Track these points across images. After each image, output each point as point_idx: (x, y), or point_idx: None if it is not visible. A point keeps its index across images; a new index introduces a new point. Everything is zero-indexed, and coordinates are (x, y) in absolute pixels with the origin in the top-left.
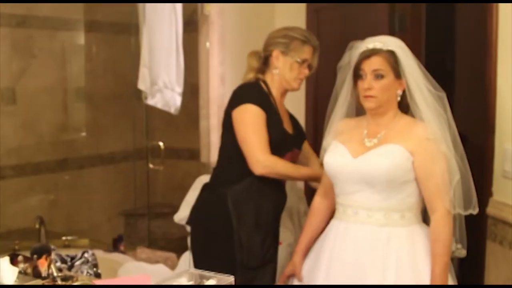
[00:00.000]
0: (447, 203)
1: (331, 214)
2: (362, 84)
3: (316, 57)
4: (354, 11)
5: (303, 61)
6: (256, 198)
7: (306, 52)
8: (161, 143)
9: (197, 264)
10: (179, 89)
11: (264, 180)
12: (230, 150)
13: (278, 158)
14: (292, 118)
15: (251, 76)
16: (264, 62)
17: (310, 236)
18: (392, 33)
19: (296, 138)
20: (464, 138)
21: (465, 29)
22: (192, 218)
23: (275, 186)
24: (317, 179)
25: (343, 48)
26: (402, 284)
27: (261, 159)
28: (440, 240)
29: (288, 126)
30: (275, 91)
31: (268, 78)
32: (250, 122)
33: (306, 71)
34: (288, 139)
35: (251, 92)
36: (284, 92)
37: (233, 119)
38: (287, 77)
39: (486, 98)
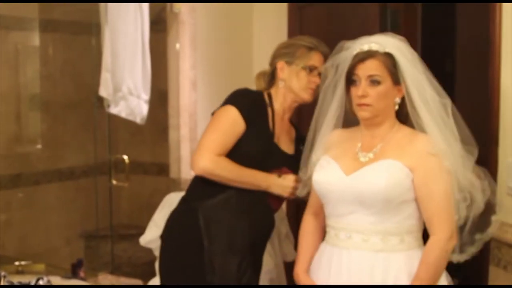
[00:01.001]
0: (446, 228)
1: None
2: (356, 91)
3: None
4: (341, 8)
5: (311, 69)
6: (230, 216)
7: (314, 59)
8: (125, 157)
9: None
10: (145, 96)
11: (244, 198)
12: None
13: (225, 160)
14: (299, 139)
15: None
16: (271, 78)
17: (309, 256)
18: (383, 31)
19: (292, 160)
20: None
21: (466, 29)
22: (164, 232)
23: (257, 206)
24: (268, 181)
25: (329, 47)
26: None
27: (203, 158)
28: (427, 263)
29: (285, 144)
30: (278, 105)
31: (273, 91)
32: (219, 123)
33: (316, 80)
34: (277, 157)
35: (243, 97)
36: (290, 108)
37: (211, 119)
38: (294, 87)
39: (489, 105)
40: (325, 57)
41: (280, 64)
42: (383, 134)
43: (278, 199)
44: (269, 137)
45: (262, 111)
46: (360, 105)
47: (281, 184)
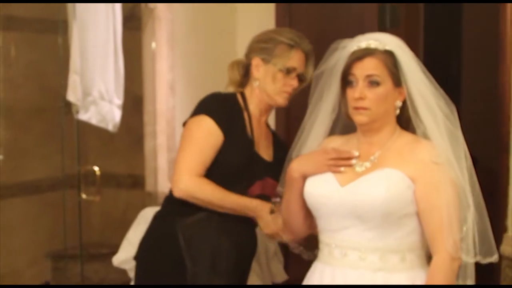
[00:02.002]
0: (450, 246)
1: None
2: (352, 93)
3: (310, 65)
4: (334, 6)
5: (290, 70)
6: (213, 235)
7: (294, 59)
8: (96, 168)
9: None
10: (118, 100)
11: (226, 215)
12: None
13: (208, 183)
14: (277, 143)
15: (231, 91)
16: (246, 73)
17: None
18: (382, 29)
19: (273, 167)
20: (472, 160)
21: (473, 27)
22: (139, 252)
23: (240, 224)
24: (257, 213)
25: (322, 49)
26: None
27: (182, 180)
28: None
29: (264, 151)
30: (253, 108)
31: (247, 92)
32: (195, 137)
33: (294, 83)
34: (259, 166)
35: (216, 103)
36: (267, 110)
37: (183, 130)
38: (268, 90)
39: (499, 110)
40: (307, 55)
41: (256, 61)
42: (382, 141)
43: None
44: (249, 145)
45: (238, 117)
46: (357, 108)
47: (268, 222)
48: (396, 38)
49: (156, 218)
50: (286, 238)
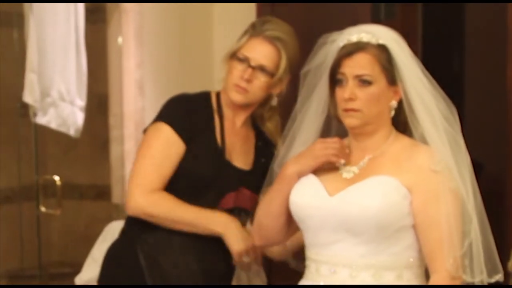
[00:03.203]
0: (450, 264)
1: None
2: (342, 93)
3: (283, 58)
4: (322, 6)
5: (241, 60)
6: (177, 255)
7: (247, 48)
8: (57, 178)
9: None
10: (80, 102)
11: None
12: None
13: (164, 198)
14: (261, 148)
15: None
16: None
17: None
18: (375, 21)
19: (252, 175)
20: (477, 167)
21: (477, 19)
22: (101, 272)
23: (211, 242)
24: (224, 236)
25: (308, 45)
26: None
27: (133, 197)
28: None
29: (240, 158)
30: (225, 107)
31: (223, 90)
32: (152, 147)
33: (246, 75)
34: (231, 176)
35: (178, 107)
36: (239, 109)
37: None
38: (224, 83)
39: (507, 111)
40: (275, 46)
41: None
42: (375, 146)
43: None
44: (218, 154)
45: (206, 121)
46: (346, 110)
47: (236, 238)
48: (391, 30)
49: (119, 234)
50: (257, 242)
